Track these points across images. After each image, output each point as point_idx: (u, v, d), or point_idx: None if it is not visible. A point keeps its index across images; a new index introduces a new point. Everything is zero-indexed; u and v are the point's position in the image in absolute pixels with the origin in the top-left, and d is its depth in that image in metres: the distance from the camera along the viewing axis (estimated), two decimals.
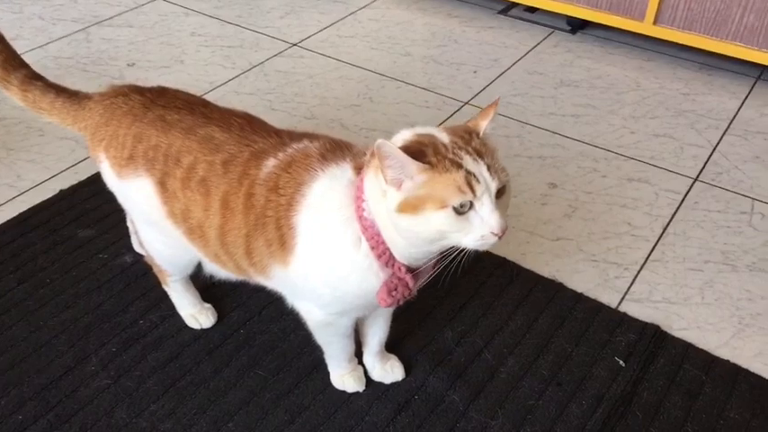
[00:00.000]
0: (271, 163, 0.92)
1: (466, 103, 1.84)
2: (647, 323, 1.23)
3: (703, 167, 1.63)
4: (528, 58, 2.04)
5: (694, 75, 1.96)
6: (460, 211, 0.78)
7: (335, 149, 0.93)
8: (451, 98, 1.86)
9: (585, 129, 1.75)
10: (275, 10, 2.28)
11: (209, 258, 1.03)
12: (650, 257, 1.39)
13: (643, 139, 1.72)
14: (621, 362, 1.16)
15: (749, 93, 1.88)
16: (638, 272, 1.35)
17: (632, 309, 1.27)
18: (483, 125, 0.84)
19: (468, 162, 0.79)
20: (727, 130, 1.75)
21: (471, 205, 0.78)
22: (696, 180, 1.59)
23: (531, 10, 2.24)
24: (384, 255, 0.87)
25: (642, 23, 1.98)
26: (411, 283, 0.90)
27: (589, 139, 1.72)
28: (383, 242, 0.86)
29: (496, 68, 1.99)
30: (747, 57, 1.88)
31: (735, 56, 1.90)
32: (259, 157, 0.94)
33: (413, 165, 0.78)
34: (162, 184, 0.98)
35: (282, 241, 0.91)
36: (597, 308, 1.27)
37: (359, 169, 0.89)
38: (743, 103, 1.85)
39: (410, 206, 0.80)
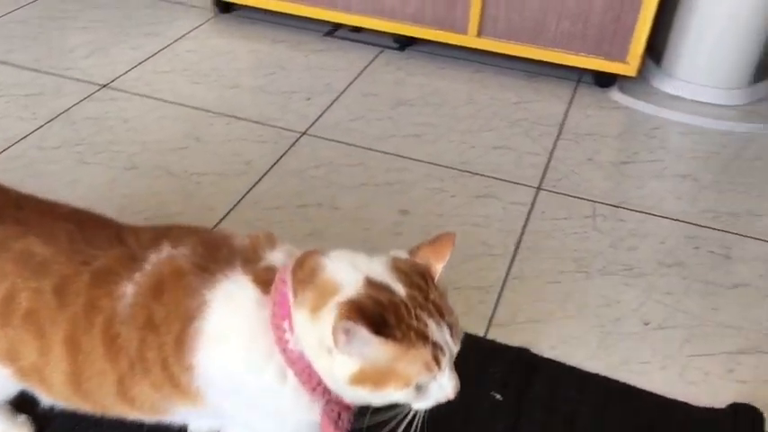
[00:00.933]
0: (129, 290, 0.72)
1: (303, 133, 1.75)
2: (517, 348, 1.20)
3: (543, 175, 1.65)
4: (361, 80, 1.98)
5: (523, 83, 2.01)
6: (422, 384, 0.69)
7: (213, 252, 0.74)
8: (287, 129, 1.75)
9: (428, 148, 1.72)
10: (79, 48, 2.05)
11: (57, 401, 0.81)
12: (509, 276, 1.36)
13: (483, 152, 1.72)
14: (498, 396, 1.11)
15: (573, 97, 1.95)
16: (500, 293, 1.32)
17: (500, 334, 1.23)
18: (438, 269, 0.73)
19: (433, 329, 0.68)
20: (559, 135, 1.79)
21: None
22: (539, 189, 1.60)
23: (357, 30, 2.19)
24: (318, 386, 0.71)
25: (466, 36, 1.99)
26: (352, 405, 0.75)
27: (433, 159, 1.68)
28: (316, 374, 0.70)
29: (330, 93, 1.91)
30: (567, 61, 1.95)
31: (556, 61, 1.96)
32: (106, 279, 0.73)
33: (379, 344, 0.65)
34: None
35: (177, 383, 0.72)
36: (466, 341, 1.21)
37: (263, 284, 0.71)
38: (569, 107, 1.91)
39: (368, 379, 0.67)
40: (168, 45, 2.09)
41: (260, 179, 1.57)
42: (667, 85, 1.98)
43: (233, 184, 1.55)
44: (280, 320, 0.69)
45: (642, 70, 1.96)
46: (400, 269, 0.71)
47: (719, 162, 1.71)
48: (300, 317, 0.69)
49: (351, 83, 1.96)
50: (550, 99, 1.94)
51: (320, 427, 0.74)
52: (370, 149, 1.70)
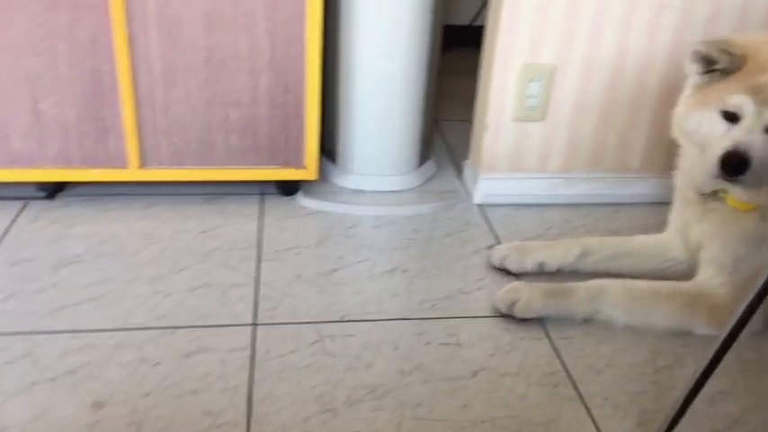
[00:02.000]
0: None
1: None
2: None
3: (256, 308, 1.47)
4: (5, 246, 1.60)
5: (206, 208, 1.82)
6: None
7: None
8: None
9: (111, 312, 1.42)
10: None
11: None
12: None
13: (181, 299, 1.48)
14: None
15: (262, 212, 1.83)
16: None
17: None
18: None
19: None
20: (260, 257, 1.64)
21: None
22: (255, 325, 1.42)
23: None
24: None
25: (128, 170, 1.75)
26: None
27: (121, 324, 1.39)
28: None
29: None
30: (245, 177, 1.83)
31: (234, 179, 1.83)
32: None
33: None
34: None
35: None
36: None
37: None
38: (261, 223, 1.78)
39: None
40: None
41: None
42: (348, 181, 1.98)
43: None
44: None
45: (322, 171, 1.94)
46: None
47: (418, 247, 1.73)
48: None
49: None
50: (239, 219, 1.79)
51: None
52: (34, 333, 1.34)
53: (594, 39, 1.78)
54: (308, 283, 1.57)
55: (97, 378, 1.25)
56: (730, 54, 1.33)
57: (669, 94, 1.83)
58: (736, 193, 1.41)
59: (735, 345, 1.05)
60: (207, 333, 1.38)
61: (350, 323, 1.45)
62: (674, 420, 1.09)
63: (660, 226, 1.71)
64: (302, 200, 1.89)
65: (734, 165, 1.29)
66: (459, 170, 2.08)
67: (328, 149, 2.02)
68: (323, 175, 1.97)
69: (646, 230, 1.74)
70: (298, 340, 1.39)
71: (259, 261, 1.63)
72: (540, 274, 1.62)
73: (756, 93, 1.29)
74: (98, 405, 1.19)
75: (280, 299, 1.50)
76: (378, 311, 1.49)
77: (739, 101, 1.30)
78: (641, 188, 1.97)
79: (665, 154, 1.92)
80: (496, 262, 1.65)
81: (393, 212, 1.87)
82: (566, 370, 1.36)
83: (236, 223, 1.77)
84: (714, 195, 1.47)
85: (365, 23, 1.80)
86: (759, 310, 1.26)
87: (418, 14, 1.81)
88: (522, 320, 1.47)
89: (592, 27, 1.76)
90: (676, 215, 1.64)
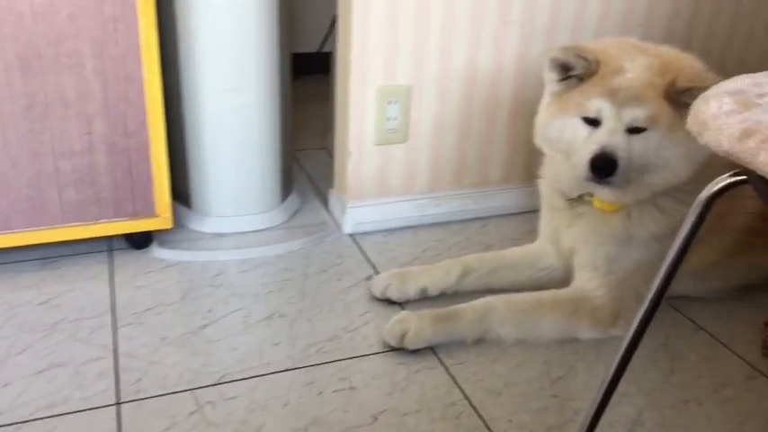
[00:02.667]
0: None
1: None
2: None
3: (117, 384, 1.28)
4: None
5: (44, 274, 1.59)
6: None
7: None
8: None
9: None
10: None
11: None
12: None
13: (25, 386, 1.25)
14: None
15: (112, 271, 1.63)
16: None
17: None
18: None
19: None
20: (115, 324, 1.45)
21: None
22: (119, 404, 1.23)
23: None
24: None
25: None
26: None
27: None
28: None
29: None
30: (89, 234, 1.62)
31: (76, 238, 1.61)
32: None
33: None
34: None
35: None
36: None
37: None
38: (112, 284, 1.58)
39: None
40: None
41: None
42: (206, 226, 1.83)
43: None
44: None
45: (177, 218, 1.77)
46: None
47: (294, 288, 1.61)
48: None
49: None
50: (85, 283, 1.57)
51: None
52: None
53: (446, 56, 1.77)
54: (176, 345, 1.40)
55: None
56: (586, 59, 1.36)
57: (520, 105, 1.88)
58: (603, 195, 1.44)
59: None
60: (62, 423, 1.18)
61: (230, 384, 1.30)
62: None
63: (530, 234, 1.73)
64: (157, 251, 1.71)
65: (603, 167, 1.31)
66: (324, 201, 1.99)
67: (182, 193, 1.85)
68: (178, 221, 1.80)
69: (517, 240, 1.76)
70: (173, 413, 1.22)
71: (115, 328, 1.43)
72: (424, 299, 1.57)
73: (613, 95, 1.32)
74: None
75: (145, 369, 1.32)
76: (260, 366, 1.35)
77: (598, 105, 1.33)
78: (505, 199, 1.99)
79: (523, 164, 1.96)
80: (378, 293, 1.57)
81: (261, 254, 1.74)
82: (466, 398, 1.30)
83: (81, 288, 1.55)
84: (581, 199, 1.50)
85: (208, 57, 1.67)
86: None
87: (264, 44, 1.70)
88: (415, 351, 1.40)
89: (442, 45, 1.76)
90: (545, 223, 1.66)
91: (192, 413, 1.22)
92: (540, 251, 1.67)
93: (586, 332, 1.48)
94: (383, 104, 1.76)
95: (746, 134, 0.77)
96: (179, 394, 1.26)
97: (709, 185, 0.89)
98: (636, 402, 1.31)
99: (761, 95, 0.83)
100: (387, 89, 1.76)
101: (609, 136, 1.32)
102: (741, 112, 0.80)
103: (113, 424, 1.18)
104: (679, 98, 1.30)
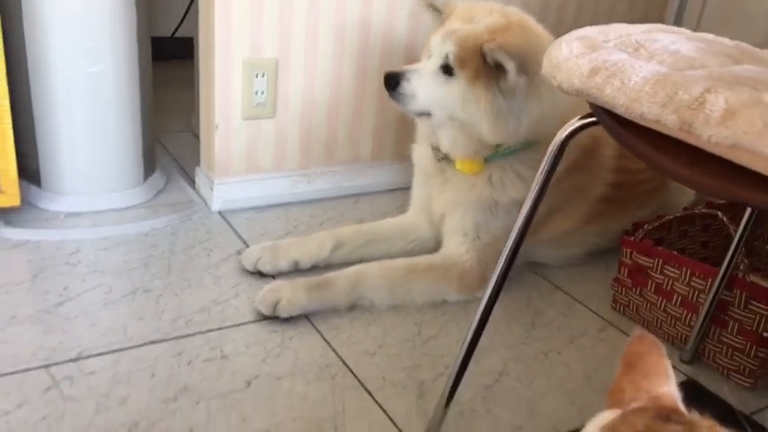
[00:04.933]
0: None
1: None
2: None
3: None
4: None
5: None
6: None
7: None
8: None
9: None
10: None
11: None
12: None
13: None
14: None
15: None
16: None
17: None
18: None
19: None
20: None
21: None
22: None
23: None
24: None
25: None
26: None
27: None
28: None
29: None
30: None
31: None
32: None
33: None
34: None
35: None
36: None
37: None
38: None
39: None
40: None
41: None
42: (59, 204, 1.70)
43: None
44: None
45: (25, 196, 1.63)
46: None
47: (159, 264, 1.53)
48: None
49: None
50: None
51: None
52: None
53: (312, 30, 1.77)
54: (28, 323, 1.29)
55: None
56: (438, 10, 1.53)
57: None
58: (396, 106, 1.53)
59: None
60: None
61: (90, 359, 1.22)
62: (454, 386, 1.09)
63: (401, 209, 1.76)
64: (3, 230, 1.57)
65: (388, 78, 1.48)
66: (191, 181, 1.92)
67: (31, 171, 1.71)
68: (27, 200, 1.66)
69: (388, 216, 1.78)
70: (25, 392, 1.12)
71: None
72: (296, 272, 1.55)
73: (444, 34, 1.45)
74: None
75: None
76: (123, 340, 1.28)
77: (432, 41, 1.48)
78: (375, 176, 2.01)
79: (393, 141, 1.99)
80: (249, 266, 1.54)
81: (122, 231, 1.65)
82: (341, 359, 1.30)
83: None
84: (448, 160, 1.55)
85: (58, 19, 1.55)
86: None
87: (120, 10, 1.62)
88: (288, 319, 1.38)
89: (309, 20, 1.75)
90: (418, 193, 1.70)
91: (48, 389, 1.13)
92: (412, 223, 1.70)
93: (455, 295, 1.53)
94: (250, 77, 1.73)
95: (594, 71, 0.83)
96: (31, 372, 1.16)
97: (563, 128, 0.95)
98: (502, 355, 1.37)
99: (606, 41, 0.90)
100: (253, 61, 1.72)
101: (418, 64, 1.50)
102: (589, 54, 0.86)
103: None
104: (488, 58, 1.39)
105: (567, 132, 0.94)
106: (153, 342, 1.28)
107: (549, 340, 1.44)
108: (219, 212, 1.79)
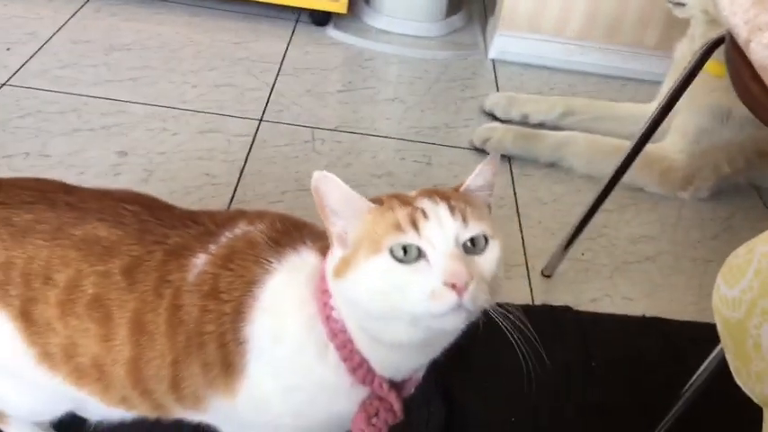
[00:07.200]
0: (200, 260, 0.70)
1: (4, 83, 1.62)
2: None
3: (265, 108, 1.71)
4: (69, 28, 1.87)
5: (242, 25, 2.04)
6: (396, 250, 0.60)
7: (290, 230, 0.73)
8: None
9: (146, 90, 1.69)
10: None
11: (109, 404, 0.75)
12: (233, 200, 1.42)
13: (206, 91, 1.73)
14: None
15: (292, 35, 2.04)
16: None
17: None
18: (467, 182, 0.67)
19: (425, 203, 0.62)
20: (279, 71, 1.87)
21: (420, 253, 0.60)
22: (261, 120, 1.67)
23: None
24: (360, 368, 0.67)
25: None
26: (397, 406, 0.70)
27: (153, 100, 1.66)
28: (358, 351, 0.67)
29: (34, 42, 1.78)
30: (283, 1, 2.02)
31: (273, 2, 2.02)
32: (180, 254, 0.70)
33: (360, 201, 0.64)
34: (25, 316, 0.71)
35: (227, 363, 0.69)
36: None
37: (324, 252, 0.68)
38: (288, 45, 1.99)
39: (346, 260, 0.62)
40: None
41: None
42: (376, 21, 2.15)
43: None
44: (324, 285, 0.67)
45: (354, 8, 2.10)
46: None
47: (422, 86, 1.91)
48: (328, 260, 0.66)
49: (58, 30, 1.85)
50: (270, 39, 2.00)
51: (352, 421, 0.70)
52: (83, 96, 1.63)
53: None
54: (315, 97, 1.79)
55: (125, 135, 1.54)
56: None
57: None
58: None
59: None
60: (220, 119, 1.64)
61: (341, 132, 1.67)
62: (578, 230, 1.29)
63: None
64: (331, 31, 2.08)
65: None
66: (485, 26, 2.20)
67: None
68: (356, 13, 2.14)
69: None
70: (293, 138, 1.63)
71: (278, 74, 1.85)
72: (524, 124, 1.78)
73: None
74: (122, 153, 1.49)
75: (287, 105, 1.74)
76: (368, 128, 1.70)
77: None
78: (652, 65, 2.04)
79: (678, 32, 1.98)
80: (487, 107, 1.82)
81: (410, 54, 2.04)
82: (515, 196, 1.56)
83: (267, 41, 1.99)
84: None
85: None
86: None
87: None
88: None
89: None
90: (666, 86, 1.73)
91: (306, 142, 1.63)
92: (651, 111, 1.76)
93: (654, 187, 1.62)
94: None
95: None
96: (302, 128, 1.67)
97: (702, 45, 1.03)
98: (659, 247, 1.48)
99: None
100: None
101: None
102: None
103: (252, 131, 1.63)
104: None
105: (704, 48, 1.02)
106: (386, 137, 1.69)
107: (718, 252, 1.48)
108: (492, 60, 2.07)
